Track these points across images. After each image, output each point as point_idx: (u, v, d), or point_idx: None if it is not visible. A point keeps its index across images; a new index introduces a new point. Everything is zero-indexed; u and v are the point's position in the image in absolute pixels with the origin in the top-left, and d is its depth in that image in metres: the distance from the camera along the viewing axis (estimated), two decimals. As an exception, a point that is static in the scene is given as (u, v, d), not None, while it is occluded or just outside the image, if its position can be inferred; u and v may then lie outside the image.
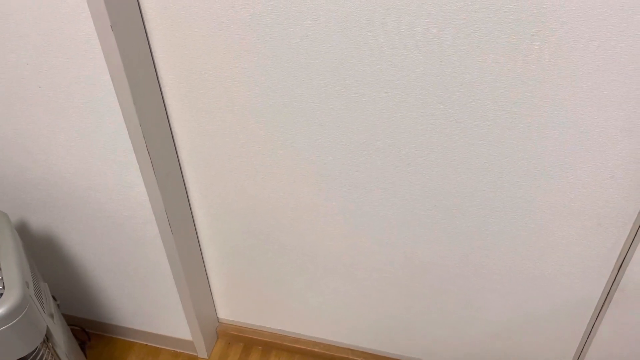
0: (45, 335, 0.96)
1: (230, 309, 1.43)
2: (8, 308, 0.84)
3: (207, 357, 1.44)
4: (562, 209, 0.93)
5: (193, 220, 1.22)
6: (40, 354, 0.96)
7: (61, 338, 1.08)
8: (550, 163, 0.88)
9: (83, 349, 1.37)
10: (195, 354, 1.45)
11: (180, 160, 1.10)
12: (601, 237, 0.94)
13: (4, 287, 0.88)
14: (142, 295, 1.35)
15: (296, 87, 0.92)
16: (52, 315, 1.03)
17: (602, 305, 1.04)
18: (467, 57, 0.80)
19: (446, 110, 0.87)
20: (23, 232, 1.29)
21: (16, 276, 0.89)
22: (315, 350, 1.39)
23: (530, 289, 1.07)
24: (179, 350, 1.47)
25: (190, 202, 1.18)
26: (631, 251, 0.94)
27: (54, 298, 1.16)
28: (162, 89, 1.00)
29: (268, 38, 0.87)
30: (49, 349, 1.00)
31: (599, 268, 0.99)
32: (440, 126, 0.89)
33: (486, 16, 0.76)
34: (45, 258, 1.34)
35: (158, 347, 1.48)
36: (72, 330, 1.26)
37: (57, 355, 1.04)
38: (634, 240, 0.92)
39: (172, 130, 1.06)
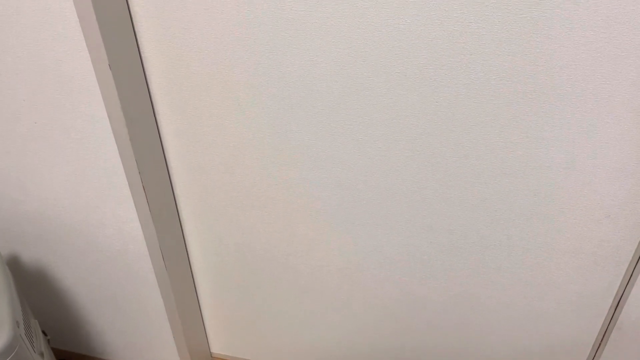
0: (35, 375, 0.94)
1: (224, 343, 1.41)
2: (-3, 350, 0.82)
3: (199, 393, 1.41)
4: (558, 248, 0.93)
5: (187, 254, 1.21)
6: (29, 395, 0.94)
7: (50, 376, 1.05)
8: (545, 202, 0.88)
9: (72, 384, 1.34)
10: (187, 389, 1.43)
11: (175, 195, 1.10)
12: (598, 276, 0.94)
13: (-7, 327, 0.86)
14: (133, 329, 1.33)
15: (293, 125, 0.92)
16: (42, 354, 1.01)
17: (600, 344, 1.03)
18: (462, 99, 0.81)
19: (441, 149, 0.87)
20: (13, 265, 1.27)
21: (6, 316, 0.87)
22: (310, 385, 1.37)
23: (526, 326, 1.06)
24: (170, 386, 1.44)
25: (185, 236, 1.17)
26: (628, 289, 0.94)
27: (44, 333, 1.13)
28: (159, 125, 1.00)
29: (266, 76, 0.88)
30: (37, 389, 0.97)
31: (596, 306, 0.99)
32: (436, 164, 0.89)
33: (481, 59, 0.77)
34: (36, 291, 1.32)
35: (149, 382, 1.45)
36: (61, 365, 1.24)
37: (45, 394, 1.01)
38: (631, 278, 0.92)
39: (168, 165, 1.05)
